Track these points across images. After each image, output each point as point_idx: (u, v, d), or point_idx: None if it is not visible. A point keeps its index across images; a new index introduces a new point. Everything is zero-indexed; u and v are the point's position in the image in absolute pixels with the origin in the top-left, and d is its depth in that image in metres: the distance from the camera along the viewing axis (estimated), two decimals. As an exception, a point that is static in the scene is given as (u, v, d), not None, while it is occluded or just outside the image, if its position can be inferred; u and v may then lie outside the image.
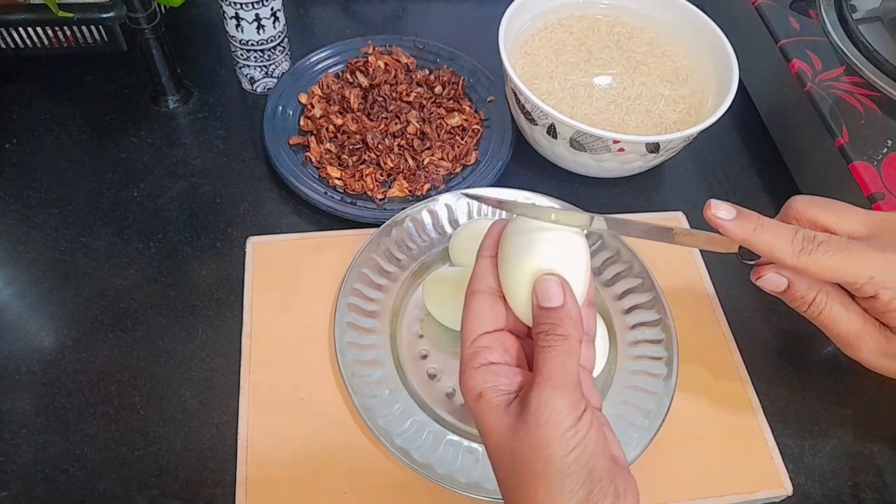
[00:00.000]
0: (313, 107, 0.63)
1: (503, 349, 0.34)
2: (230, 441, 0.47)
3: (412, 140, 0.62)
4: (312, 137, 0.62)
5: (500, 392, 0.33)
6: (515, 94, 0.58)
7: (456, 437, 0.46)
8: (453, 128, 0.63)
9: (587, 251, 0.35)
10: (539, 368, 0.32)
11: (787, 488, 0.48)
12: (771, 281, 0.39)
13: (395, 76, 0.66)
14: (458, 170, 0.61)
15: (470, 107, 0.66)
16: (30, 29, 0.62)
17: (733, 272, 0.59)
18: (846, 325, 0.38)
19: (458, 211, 0.56)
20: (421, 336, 0.52)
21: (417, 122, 0.63)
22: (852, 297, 0.39)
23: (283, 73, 0.67)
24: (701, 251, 0.59)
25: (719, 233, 0.37)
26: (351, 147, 0.61)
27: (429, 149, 0.62)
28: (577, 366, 0.32)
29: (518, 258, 0.34)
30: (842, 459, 0.50)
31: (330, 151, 0.61)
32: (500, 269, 0.35)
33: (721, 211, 0.36)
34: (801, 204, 0.38)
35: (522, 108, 0.58)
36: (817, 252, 0.36)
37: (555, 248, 0.34)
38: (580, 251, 0.35)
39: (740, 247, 0.38)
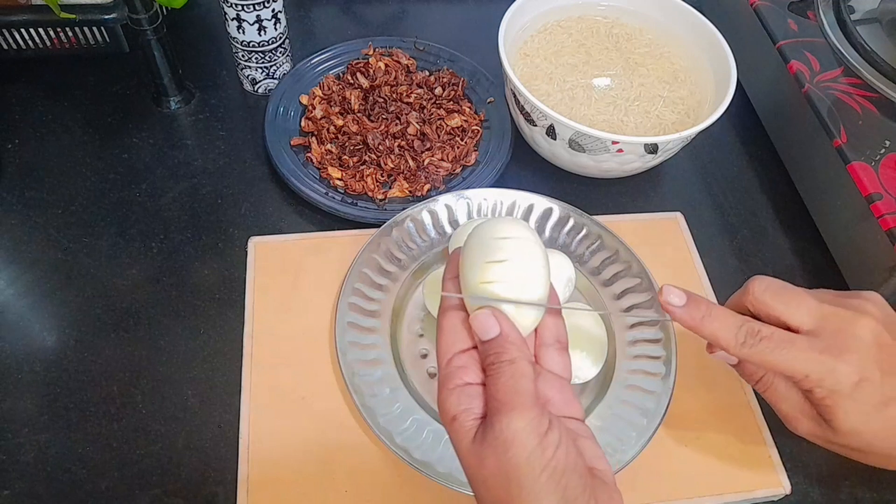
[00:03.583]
0: (314, 108, 0.64)
1: (478, 367, 0.34)
2: (232, 440, 0.47)
3: (412, 141, 0.62)
4: (313, 138, 0.62)
5: (473, 416, 0.33)
6: (515, 96, 0.59)
7: (456, 436, 0.47)
8: (453, 129, 0.64)
9: (544, 265, 0.35)
10: (494, 395, 0.32)
11: (785, 487, 0.48)
12: (722, 357, 0.42)
13: (396, 77, 0.66)
14: (457, 170, 0.62)
15: (470, 108, 0.66)
16: (32, 30, 0.63)
17: (731, 273, 0.59)
18: (787, 406, 0.41)
19: (458, 211, 0.57)
20: (421, 335, 0.52)
21: (417, 122, 0.63)
22: None
23: (284, 74, 0.67)
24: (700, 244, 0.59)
25: None
26: (352, 148, 0.62)
27: (429, 149, 0.62)
28: (531, 385, 0.32)
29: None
30: (840, 458, 0.50)
31: (331, 152, 0.61)
32: (462, 290, 0.35)
33: (671, 297, 0.38)
34: (757, 289, 0.40)
35: (522, 109, 0.59)
36: (758, 346, 0.38)
37: (507, 267, 0.34)
38: (536, 268, 0.34)
39: None
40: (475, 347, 0.35)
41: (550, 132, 0.58)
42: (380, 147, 0.61)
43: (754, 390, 0.51)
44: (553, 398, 0.35)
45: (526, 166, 0.64)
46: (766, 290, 0.39)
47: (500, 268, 0.33)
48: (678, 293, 0.38)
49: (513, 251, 0.34)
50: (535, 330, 0.36)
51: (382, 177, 0.60)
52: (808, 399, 0.40)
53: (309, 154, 0.61)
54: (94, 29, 0.63)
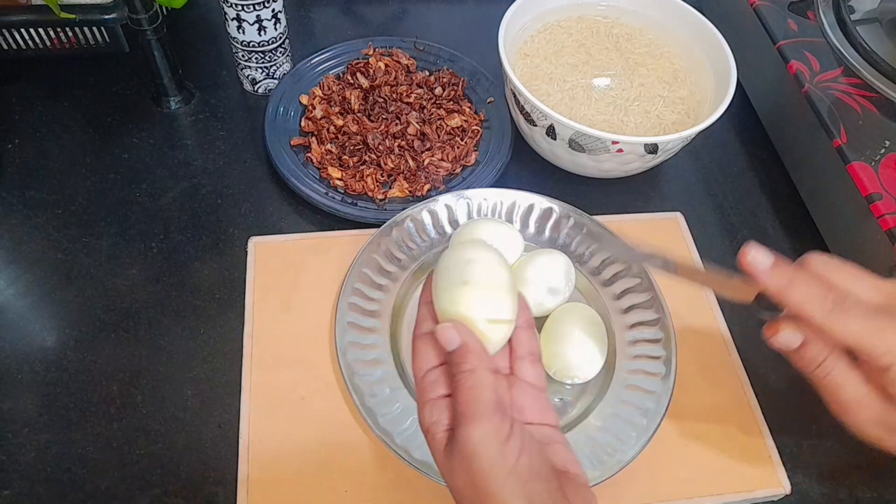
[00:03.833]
0: (314, 108, 0.64)
1: (448, 381, 0.36)
2: (232, 440, 0.47)
3: (412, 141, 0.62)
4: (313, 138, 0.62)
5: (443, 427, 0.34)
6: (515, 96, 0.59)
7: (456, 436, 0.47)
8: (453, 129, 0.64)
9: (508, 282, 0.37)
10: (456, 407, 0.34)
11: (785, 487, 0.48)
12: (786, 338, 0.38)
13: (396, 77, 0.66)
14: (457, 170, 0.62)
15: (470, 108, 0.66)
16: (32, 30, 0.63)
17: (732, 271, 0.59)
18: (851, 391, 0.37)
19: (458, 211, 0.57)
20: (421, 336, 0.52)
21: (417, 122, 0.63)
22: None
23: (284, 74, 0.67)
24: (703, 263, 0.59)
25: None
26: (352, 148, 0.62)
27: (429, 149, 0.62)
28: (490, 394, 0.34)
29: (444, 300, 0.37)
30: (840, 458, 0.51)
31: (331, 152, 0.61)
32: (436, 311, 0.38)
33: (760, 257, 0.36)
34: (817, 264, 0.37)
35: (522, 109, 0.59)
36: (847, 315, 0.35)
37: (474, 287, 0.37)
38: (500, 286, 0.37)
39: (757, 297, 0.38)
40: (446, 363, 0.36)
41: (550, 132, 0.58)
42: (380, 147, 0.61)
43: (766, 384, 0.51)
44: (528, 406, 0.37)
45: (526, 166, 0.64)
46: (827, 265, 0.37)
47: (468, 289, 0.36)
48: (765, 254, 0.36)
49: (478, 273, 0.37)
50: (511, 344, 0.38)
51: (382, 177, 0.60)
52: (877, 379, 0.37)
53: (309, 154, 0.61)
54: (94, 29, 0.63)
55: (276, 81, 0.67)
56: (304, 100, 0.65)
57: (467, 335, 0.35)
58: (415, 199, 0.59)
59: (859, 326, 0.35)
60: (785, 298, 0.36)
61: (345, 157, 0.61)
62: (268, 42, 0.63)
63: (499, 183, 0.61)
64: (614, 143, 0.55)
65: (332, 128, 0.62)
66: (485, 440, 0.32)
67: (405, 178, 0.60)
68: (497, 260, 0.38)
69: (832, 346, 0.37)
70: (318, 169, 0.61)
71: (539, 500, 0.32)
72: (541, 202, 0.57)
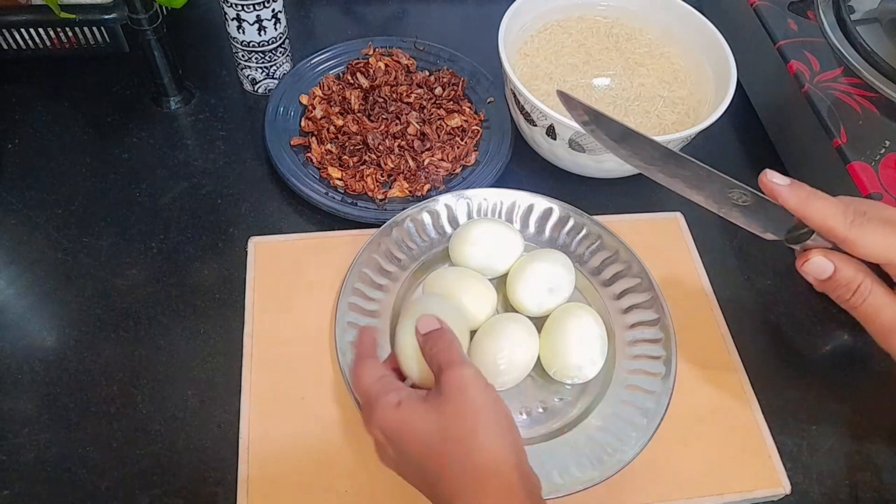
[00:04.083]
0: (314, 108, 0.64)
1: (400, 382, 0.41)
2: (232, 440, 0.47)
3: (412, 141, 0.62)
4: (313, 138, 0.62)
5: (417, 395, 0.39)
6: (515, 96, 0.59)
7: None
8: (453, 129, 0.64)
9: (465, 330, 0.45)
10: (441, 362, 0.39)
11: (785, 487, 0.48)
12: (817, 265, 0.38)
13: (396, 77, 0.66)
14: (457, 170, 0.62)
15: (470, 108, 0.66)
16: (32, 30, 0.63)
17: (731, 273, 0.59)
18: (890, 313, 0.37)
19: (458, 211, 0.57)
20: (421, 336, 0.52)
21: (417, 122, 0.63)
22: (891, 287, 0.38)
23: (284, 74, 0.67)
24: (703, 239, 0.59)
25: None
26: (352, 148, 0.62)
27: (429, 149, 0.62)
28: (468, 358, 0.40)
29: (406, 332, 0.43)
30: (840, 458, 0.51)
31: (331, 152, 0.61)
32: (396, 348, 0.43)
33: (776, 177, 0.38)
34: (843, 196, 0.38)
35: (522, 109, 0.59)
36: (869, 226, 0.36)
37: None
38: (460, 332, 0.43)
39: (788, 231, 0.39)
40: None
41: (550, 132, 0.58)
42: (380, 147, 0.61)
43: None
44: None
45: (526, 166, 0.64)
46: (852, 199, 0.38)
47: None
48: (781, 175, 0.38)
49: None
50: None
51: (382, 177, 0.60)
52: None
53: (309, 154, 0.61)
54: (94, 29, 0.63)
55: (276, 81, 0.67)
56: (304, 100, 0.65)
57: (444, 322, 0.42)
58: (415, 199, 0.59)
59: (883, 239, 0.36)
60: (806, 213, 0.37)
61: (345, 157, 0.61)
62: (268, 42, 0.63)
63: (499, 183, 0.61)
64: (614, 143, 0.55)
65: (332, 128, 0.63)
66: (475, 376, 0.38)
67: (405, 178, 0.60)
68: (458, 313, 0.46)
69: (865, 271, 0.38)
70: (318, 169, 0.61)
71: (518, 424, 0.38)
72: (541, 202, 0.57)
